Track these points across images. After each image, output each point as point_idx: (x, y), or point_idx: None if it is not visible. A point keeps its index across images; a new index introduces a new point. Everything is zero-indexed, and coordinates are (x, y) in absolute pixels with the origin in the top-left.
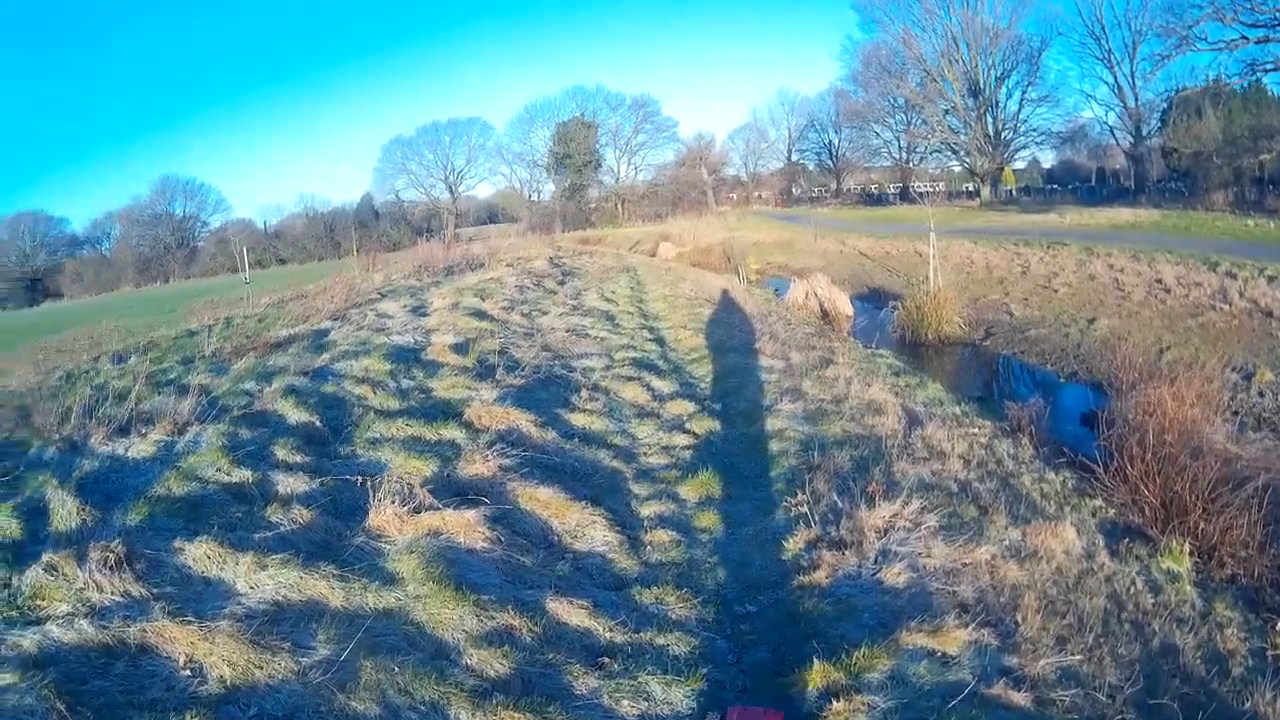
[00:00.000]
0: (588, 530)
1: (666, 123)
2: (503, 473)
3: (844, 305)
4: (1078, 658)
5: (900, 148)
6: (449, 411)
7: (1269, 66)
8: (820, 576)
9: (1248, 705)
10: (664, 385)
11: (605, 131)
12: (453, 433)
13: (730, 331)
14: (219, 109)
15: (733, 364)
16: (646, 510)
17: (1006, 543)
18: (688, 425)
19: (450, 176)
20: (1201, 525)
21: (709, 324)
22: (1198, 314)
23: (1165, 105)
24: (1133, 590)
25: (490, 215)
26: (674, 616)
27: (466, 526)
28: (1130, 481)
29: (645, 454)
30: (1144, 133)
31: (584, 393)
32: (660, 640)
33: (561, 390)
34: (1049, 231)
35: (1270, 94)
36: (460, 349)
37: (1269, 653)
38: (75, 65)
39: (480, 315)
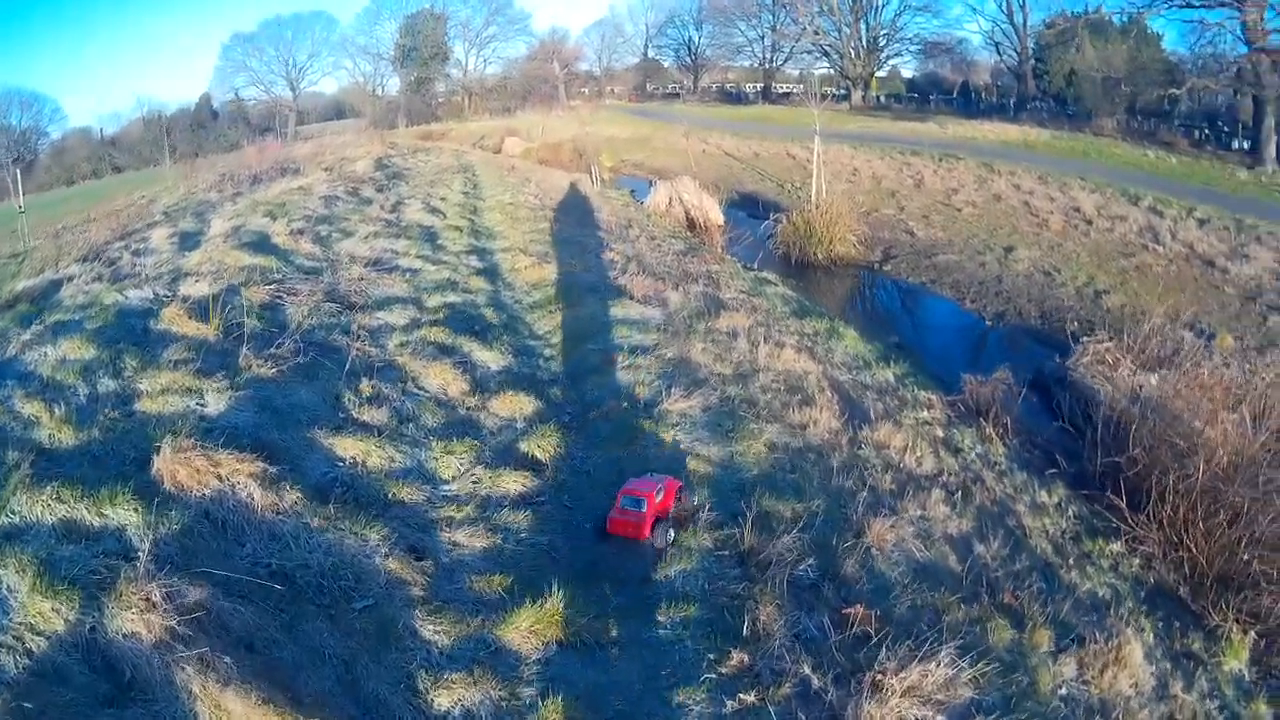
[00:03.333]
0: None
1: (519, 15)
2: (175, 641)
3: (715, 214)
4: None
5: (765, 47)
6: (139, 453)
7: (1179, 3)
8: None
9: None
10: (492, 358)
11: (455, 24)
12: (125, 514)
13: (585, 256)
14: (49, 12)
15: (592, 314)
16: (443, 700)
17: (1065, 692)
18: (525, 446)
19: (292, 73)
20: (1268, 603)
21: (558, 244)
22: (1130, 253)
23: (1042, 28)
24: None
25: (337, 112)
26: None
27: None
28: (1166, 528)
29: (449, 528)
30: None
31: (366, 383)
32: None
33: (333, 379)
34: (936, 142)
35: (1149, 32)
36: (203, 311)
37: None
38: None
39: (259, 246)
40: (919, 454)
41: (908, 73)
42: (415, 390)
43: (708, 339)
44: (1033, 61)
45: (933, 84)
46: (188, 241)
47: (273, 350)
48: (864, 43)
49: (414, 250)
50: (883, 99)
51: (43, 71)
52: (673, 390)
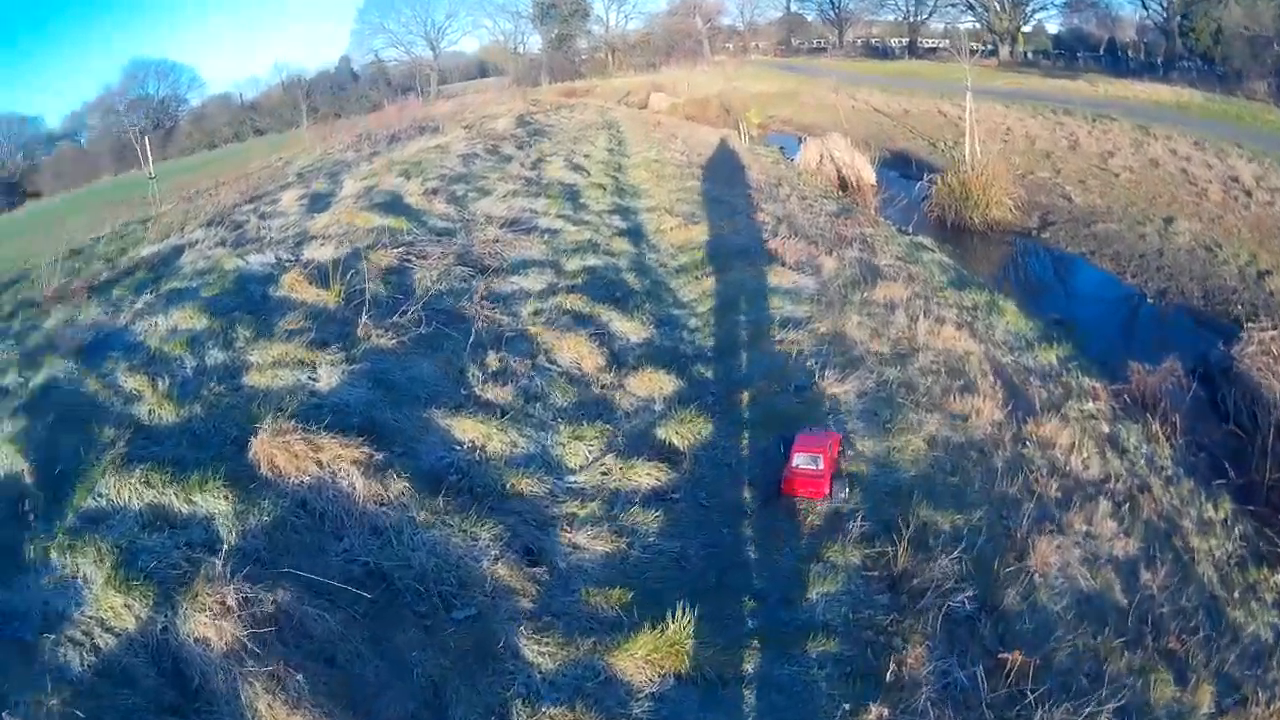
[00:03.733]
0: None
1: None
2: (245, 652)
3: (867, 173)
4: None
5: (909, 0)
6: (242, 432)
7: None
8: None
9: None
10: (632, 329)
11: None
12: (215, 502)
13: (734, 217)
14: None
15: (741, 281)
16: None
17: None
18: (663, 432)
19: (431, 33)
20: None
21: (705, 204)
22: None
23: None
24: None
25: (481, 70)
26: None
27: None
28: None
29: (570, 527)
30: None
31: (493, 356)
32: None
33: (458, 351)
34: (1088, 101)
35: None
36: (325, 277)
37: None
38: None
39: (391, 207)
40: (1085, 454)
41: (1052, 28)
42: (546, 365)
43: (863, 311)
44: (1179, 18)
45: (1078, 40)
46: (318, 203)
47: (395, 319)
48: None
49: (554, 209)
50: (1030, 55)
51: (181, 41)
52: (827, 372)
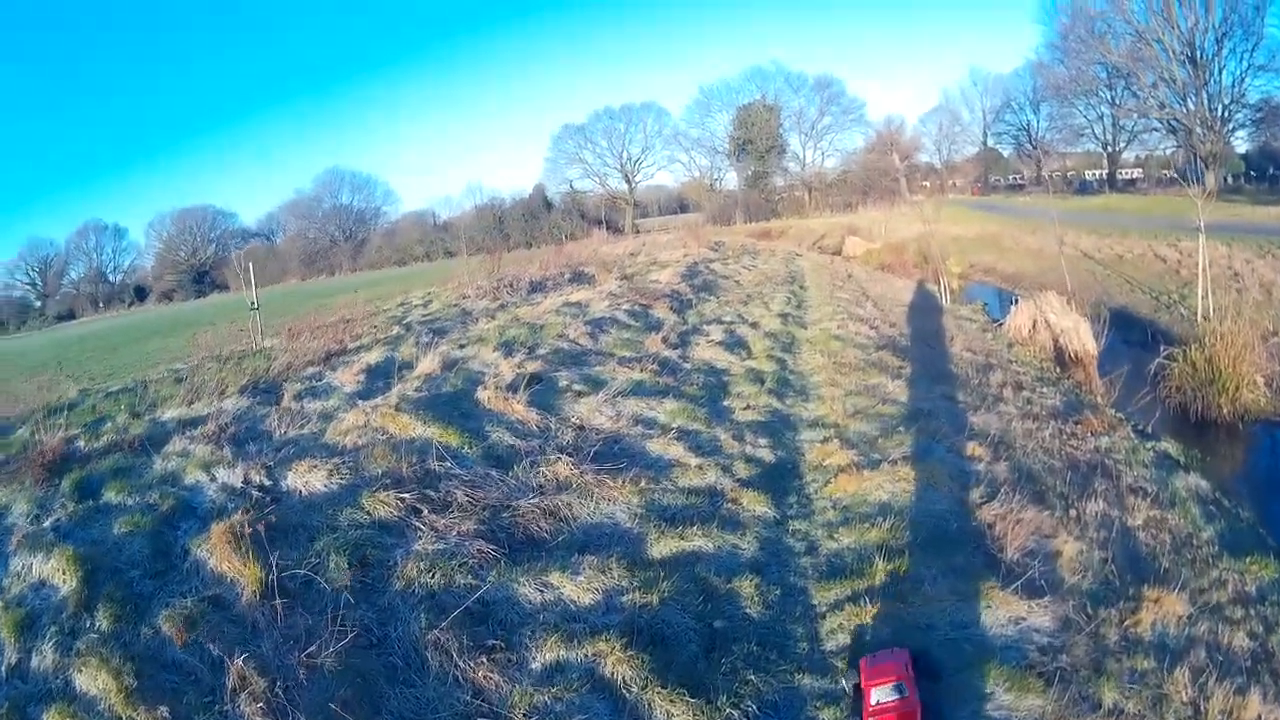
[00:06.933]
0: None
1: (853, 104)
2: None
3: (1089, 343)
4: None
5: (1106, 128)
6: None
7: None
8: None
9: None
10: None
11: (788, 114)
12: None
13: (932, 445)
14: (385, 101)
15: (931, 616)
16: None
17: None
18: None
19: (626, 165)
20: None
21: (893, 419)
22: None
23: None
24: None
25: (680, 205)
26: None
27: None
28: None
29: None
30: None
31: None
32: None
33: None
34: None
35: None
36: (259, 542)
37: None
38: (236, 61)
39: (449, 407)
40: None
41: (1241, 147)
42: None
43: (1124, 679)
44: None
45: (1267, 158)
46: (379, 380)
47: (305, 654)
48: (1209, 113)
49: (680, 419)
50: (1229, 179)
51: (377, 156)
52: None
